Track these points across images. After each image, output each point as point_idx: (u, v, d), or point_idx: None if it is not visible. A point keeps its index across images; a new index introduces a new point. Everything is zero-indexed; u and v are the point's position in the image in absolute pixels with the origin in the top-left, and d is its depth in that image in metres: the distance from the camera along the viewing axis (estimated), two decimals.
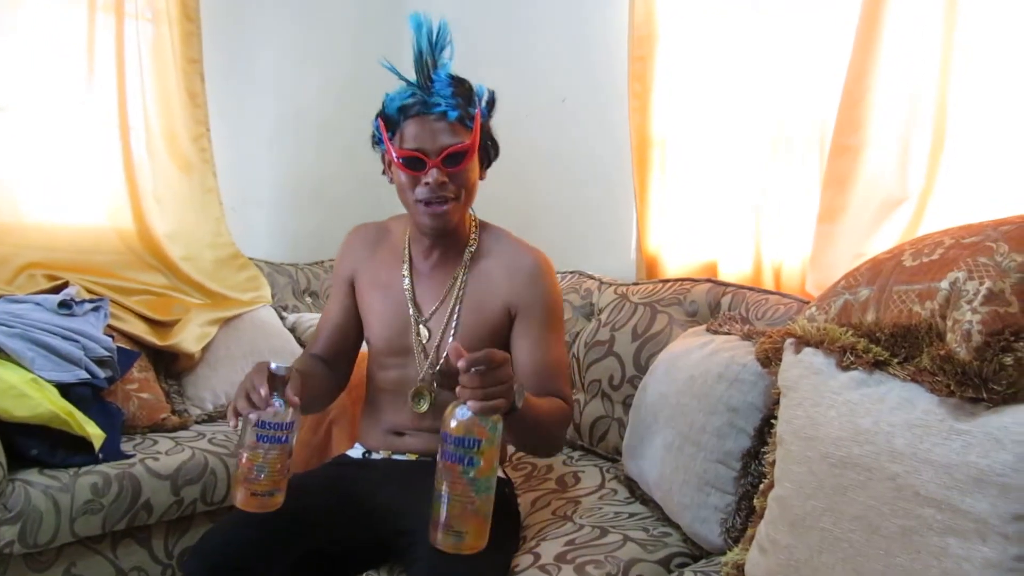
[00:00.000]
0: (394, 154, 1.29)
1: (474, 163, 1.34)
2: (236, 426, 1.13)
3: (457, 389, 1.04)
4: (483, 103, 1.34)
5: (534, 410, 1.19)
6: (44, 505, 1.62)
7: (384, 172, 1.41)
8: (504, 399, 1.04)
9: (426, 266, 1.43)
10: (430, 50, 1.28)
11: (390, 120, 1.31)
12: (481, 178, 1.40)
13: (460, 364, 1.03)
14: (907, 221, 1.61)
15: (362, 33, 3.15)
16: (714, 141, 2.09)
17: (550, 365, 1.36)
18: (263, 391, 1.09)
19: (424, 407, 1.38)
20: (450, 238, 1.39)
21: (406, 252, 1.45)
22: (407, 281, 1.43)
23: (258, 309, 2.54)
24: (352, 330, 1.50)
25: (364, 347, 1.54)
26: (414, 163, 1.28)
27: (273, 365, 1.13)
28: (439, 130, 1.28)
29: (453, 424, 1.03)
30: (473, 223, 1.45)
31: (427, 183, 1.28)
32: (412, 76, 1.31)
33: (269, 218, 3.04)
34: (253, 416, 1.09)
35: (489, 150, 1.40)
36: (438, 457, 1.04)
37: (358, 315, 1.49)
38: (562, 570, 1.24)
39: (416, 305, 1.42)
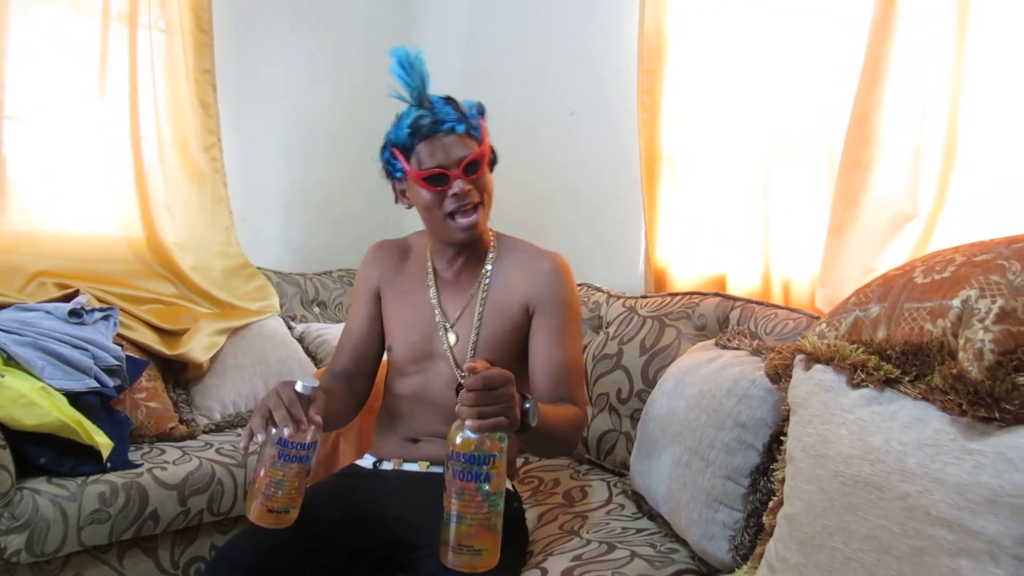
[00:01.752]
0: (415, 176, 1.35)
1: (487, 169, 1.41)
2: (248, 448, 1.11)
3: (456, 408, 1.05)
4: (478, 113, 1.41)
5: (548, 424, 1.20)
6: (52, 514, 1.62)
7: (397, 200, 1.46)
8: (503, 417, 1.04)
9: (450, 274, 1.48)
10: (420, 81, 1.35)
11: (404, 147, 1.37)
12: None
13: (463, 384, 1.04)
14: (917, 237, 1.60)
15: (371, 44, 3.17)
16: (723, 154, 2.08)
17: (564, 364, 1.39)
18: (296, 411, 1.09)
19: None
20: (474, 246, 1.45)
21: (430, 265, 1.50)
22: (432, 290, 1.48)
23: (267, 319, 2.55)
24: (375, 341, 1.54)
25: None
26: (438, 179, 1.34)
27: (299, 385, 1.12)
28: (452, 144, 1.35)
29: (460, 442, 1.03)
30: (492, 233, 1.51)
31: (454, 194, 1.34)
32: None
33: (278, 228, 3.05)
34: (276, 433, 1.08)
35: (494, 154, 1.47)
36: (448, 477, 1.04)
37: (381, 326, 1.53)
38: None
39: (442, 311, 1.46)
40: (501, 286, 1.45)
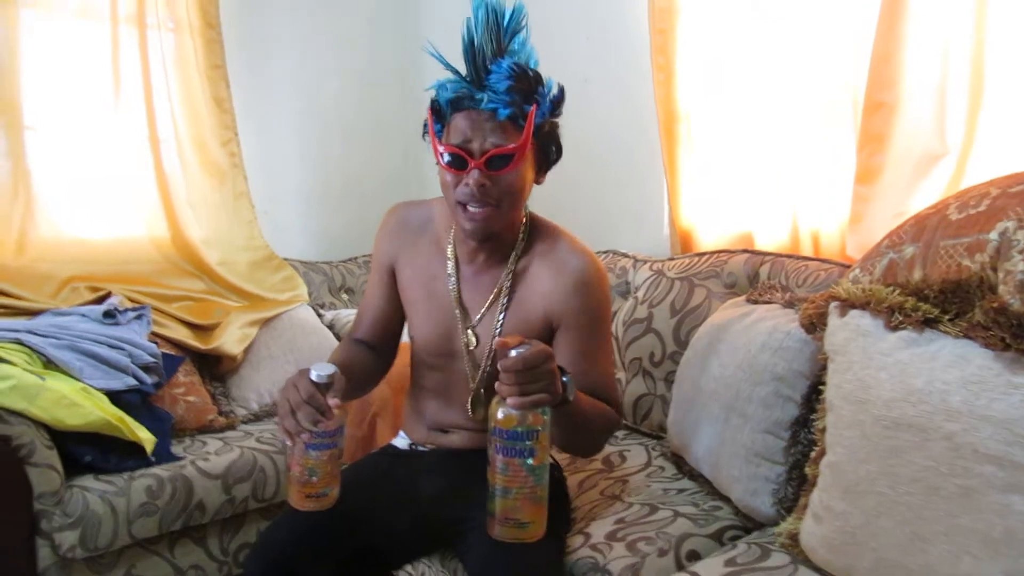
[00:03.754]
0: (440, 149, 1.20)
1: (523, 168, 1.21)
2: (292, 445, 1.08)
3: (496, 385, 1.01)
4: (547, 101, 1.21)
5: (583, 405, 1.16)
6: (102, 509, 1.66)
7: (437, 163, 1.27)
8: (545, 394, 1.00)
9: (471, 269, 1.34)
10: (497, 34, 1.16)
11: (439, 112, 1.21)
12: (538, 182, 1.30)
13: (499, 365, 1.00)
14: (948, 177, 1.56)
15: (378, 28, 3.15)
16: (742, 110, 2.04)
17: (596, 380, 1.27)
18: (316, 403, 1.05)
19: (482, 414, 1.35)
20: (495, 241, 1.30)
21: (451, 250, 1.36)
22: (452, 282, 1.35)
23: (296, 308, 2.57)
24: (395, 315, 1.45)
25: (405, 335, 1.52)
26: (457, 161, 1.18)
27: (314, 374, 1.07)
28: (488, 129, 1.17)
29: (503, 417, 1.01)
30: (524, 220, 1.34)
31: (467, 184, 1.18)
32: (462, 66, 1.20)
33: (300, 218, 3.06)
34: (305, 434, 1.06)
35: (551, 152, 1.28)
36: (491, 452, 1.02)
37: (400, 303, 1.44)
38: (614, 548, 1.23)
39: (463, 309, 1.34)
40: (525, 289, 1.31)
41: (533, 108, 1.17)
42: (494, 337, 1.30)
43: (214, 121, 2.60)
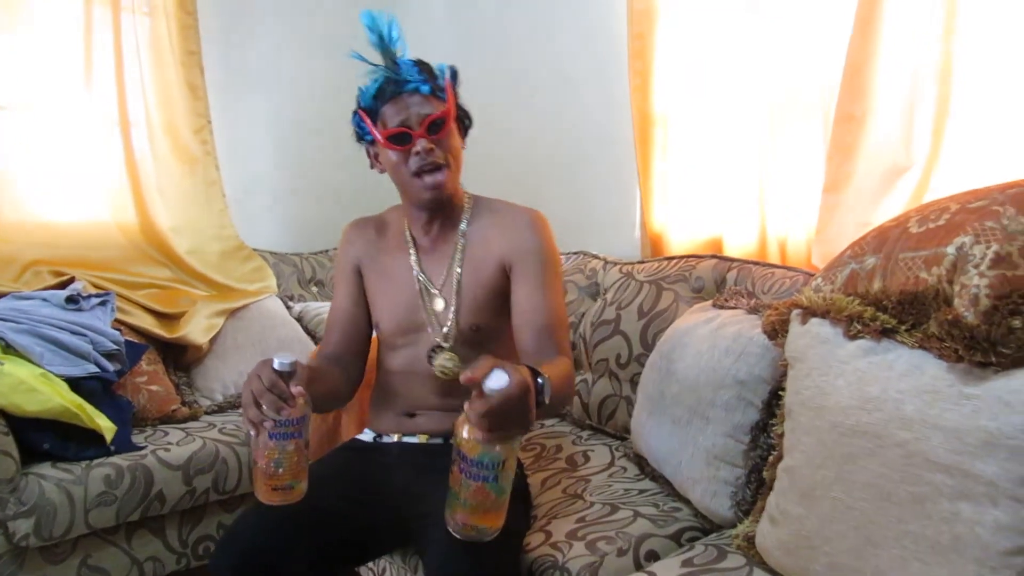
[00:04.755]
0: (380, 137, 1.34)
1: (455, 130, 1.39)
2: (258, 435, 1.08)
3: (466, 408, 0.96)
4: (448, 76, 1.39)
5: (556, 391, 1.14)
6: (58, 498, 1.64)
7: (372, 166, 1.45)
8: (518, 427, 0.97)
9: (428, 241, 1.46)
10: (388, 44, 1.35)
11: (370, 110, 1.37)
12: (462, 147, 1.43)
13: (478, 407, 0.94)
14: (912, 189, 1.59)
15: (357, 21, 3.13)
16: (716, 116, 2.06)
17: (548, 314, 1.37)
18: (279, 390, 1.06)
19: (440, 361, 1.40)
20: (447, 209, 1.44)
21: (407, 234, 1.49)
22: (413, 258, 1.46)
23: (264, 299, 2.55)
24: (363, 318, 1.52)
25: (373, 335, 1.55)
26: (401, 138, 1.33)
27: (276, 362, 1.08)
28: (416, 103, 1.33)
29: (468, 444, 0.96)
30: (466, 195, 1.49)
31: (417, 152, 1.32)
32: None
33: (272, 208, 3.04)
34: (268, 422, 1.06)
35: (463, 119, 1.44)
36: (454, 465, 1.00)
37: (367, 304, 1.52)
38: (573, 547, 1.24)
39: (426, 278, 1.45)
40: (478, 246, 1.43)
41: (447, 77, 1.38)
42: (456, 291, 1.41)
43: (187, 108, 2.57)
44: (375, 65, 1.36)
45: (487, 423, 0.93)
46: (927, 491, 0.89)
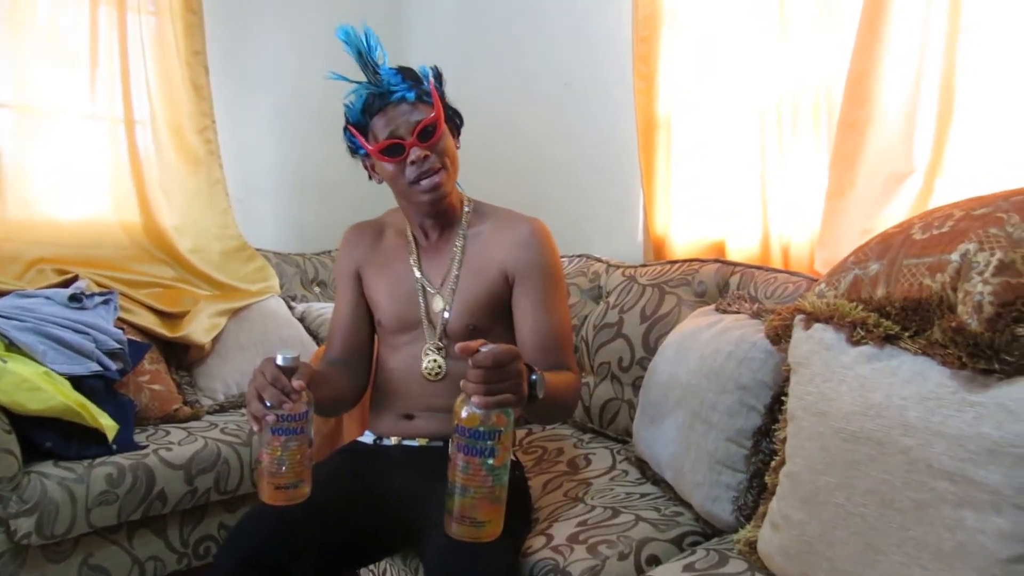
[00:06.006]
0: (373, 150, 1.35)
1: (447, 132, 1.38)
2: (260, 430, 1.10)
3: (462, 383, 1.03)
4: (431, 78, 1.39)
5: (553, 393, 1.19)
6: (60, 496, 1.64)
7: (371, 177, 1.46)
8: (511, 394, 1.03)
9: (428, 242, 1.47)
10: (366, 55, 1.34)
11: (359, 125, 1.37)
12: (457, 147, 1.43)
13: (470, 361, 1.02)
14: (915, 195, 1.59)
15: (363, 18, 3.13)
16: (720, 120, 2.07)
17: (552, 330, 1.38)
18: (281, 385, 1.08)
19: (429, 364, 1.41)
20: (447, 214, 1.44)
21: (408, 235, 1.50)
22: (413, 257, 1.47)
23: (267, 299, 2.55)
24: (365, 323, 1.53)
25: None
26: (393, 150, 1.33)
27: (279, 358, 1.10)
28: (403, 112, 1.33)
29: (466, 416, 1.01)
30: (464, 199, 1.49)
31: (412, 162, 1.32)
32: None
33: (275, 209, 3.04)
34: (270, 416, 1.08)
35: (454, 119, 1.44)
36: (452, 450, 1.03)
37: (368, 307, 1.52)
38: (574, 551, 1.24)
39: (425, 278, 1.46)
40: (478, 248, 1.44)
41: (431, 81, 1.37)
42: (454, 292, 1.42)
43: (191, 107, 2.57)
44: (357, 83, 1.37)
45: (480, 376, 1.00)
46: (930, 498, 0.89)
